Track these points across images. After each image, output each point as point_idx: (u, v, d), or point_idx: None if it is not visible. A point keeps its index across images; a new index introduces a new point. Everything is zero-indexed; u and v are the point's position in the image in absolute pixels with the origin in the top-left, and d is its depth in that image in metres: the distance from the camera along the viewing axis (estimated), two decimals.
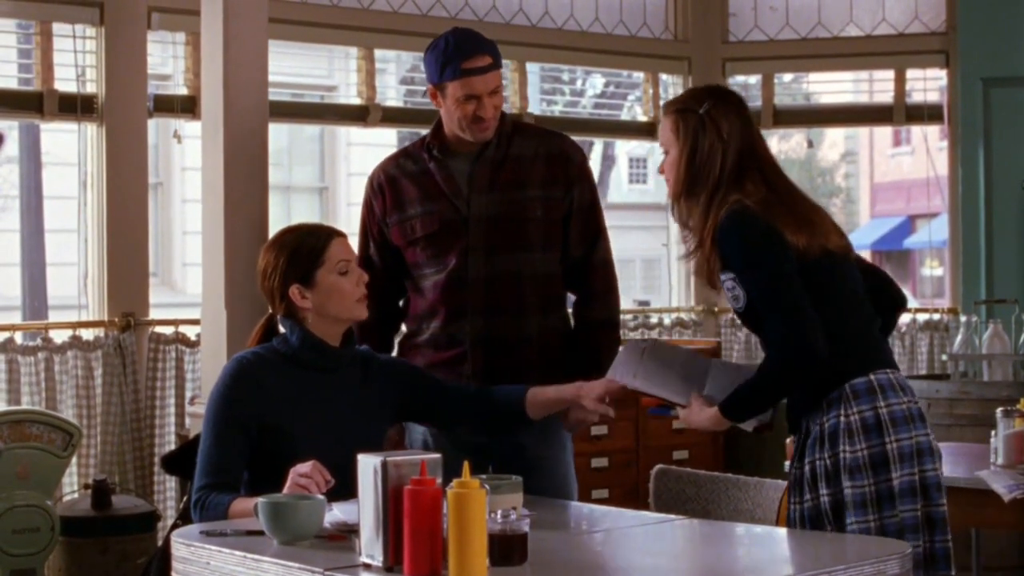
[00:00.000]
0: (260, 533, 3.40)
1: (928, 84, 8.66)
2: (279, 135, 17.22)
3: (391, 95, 8.53)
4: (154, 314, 6.94)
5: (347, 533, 3.36)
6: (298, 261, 3.97)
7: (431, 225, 4.39)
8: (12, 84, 6.80)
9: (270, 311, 4.09)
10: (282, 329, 4.03)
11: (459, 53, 4.31)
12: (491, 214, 4.36)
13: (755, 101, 8.82)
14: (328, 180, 17.52)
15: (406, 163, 4.48)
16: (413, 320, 4.50)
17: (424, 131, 4.60)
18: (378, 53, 7.75)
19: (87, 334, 6.72)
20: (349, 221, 17.42)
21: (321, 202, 17.53)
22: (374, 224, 4.53)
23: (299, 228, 4.05)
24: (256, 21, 5.60)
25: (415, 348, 4.49)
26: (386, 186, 4.48)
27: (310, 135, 17.54)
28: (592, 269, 4.50)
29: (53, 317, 8.93)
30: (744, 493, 4.11)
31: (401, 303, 4.58)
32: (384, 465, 3.13)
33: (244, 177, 5.54)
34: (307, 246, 3.98)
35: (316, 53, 8.22)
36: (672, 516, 3.89)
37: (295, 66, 8.25)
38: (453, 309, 4.37)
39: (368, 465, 3.17)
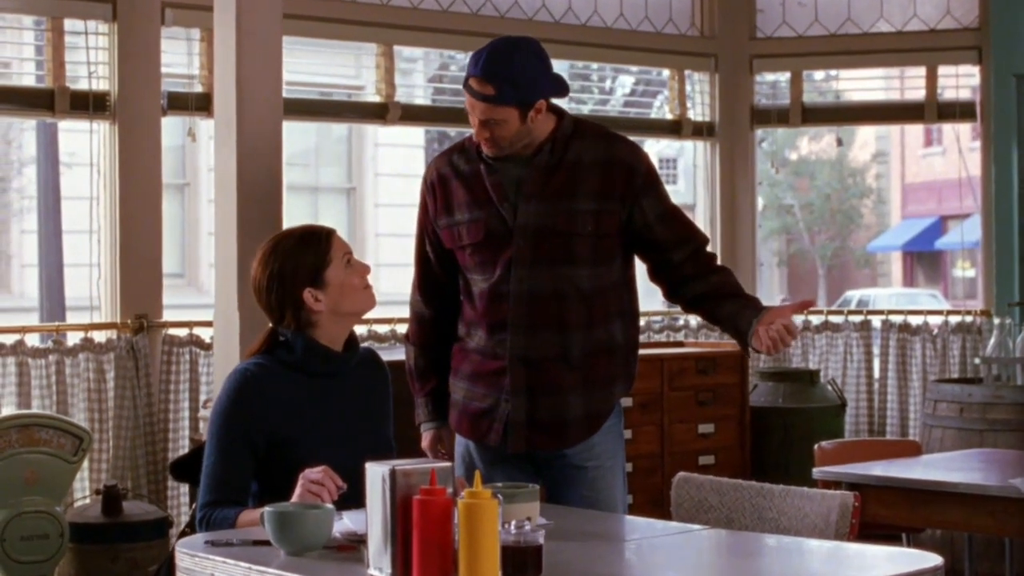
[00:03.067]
0: (267, 543, 3.31)
1: (960, 81, 8.55)
2: (306, 136, 17.25)
3: (419, 94, 8.43)
4: (181, 315, 6.88)
5: (357, 543, 3.27)
6: (306, 264, 3.86)
7: (477, 234, 4.24)
8: (23, 81, 6.72)
9: (269, 329, 3.96)
10: (282, 334, 3.92)
11: (474, 65, 4.14)
12: (537, 225, 4.19)
13: (784, 99, 8.76)
14: (355, 180, 17.57)
15: (459, 161, 4.31)
16: (464, 324, 4.37)
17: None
18: (405, 51, 7.66)
19: (99, 336, 6.65)
20: (376, 221, 17.47)
21: (348, 203, 17.56)
22: (428, 223, 4.39)
23: (290, 234, 3.92)
24: (270, 16, 5.53)
25: (465, 353, 4.37)
26: (437, 186, 4.33)
27: (337, 136, 17.58)
28: (701, 256, 4.32)
29: (70, 319, 8.87)
30: (769, 502, 3.97)
31: (462, 297, 4.45)
32: (392, 474, 3.04)
33: (258, 176, 5.46)
34: (311, 248, 3.87)
35: (343, 52, 8.14)
36: (696, 526, 3.79)
37: (322, 65, 8.16)
38: (495, 322, 4.24)
39: (376, 474, 3.08)
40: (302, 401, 3.84)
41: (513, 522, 3.02)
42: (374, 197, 17.63)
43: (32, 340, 6.56)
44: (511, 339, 4.21)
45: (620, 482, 4.37)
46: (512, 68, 4.11)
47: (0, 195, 16.89)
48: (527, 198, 4.19)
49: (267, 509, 3.28)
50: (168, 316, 6.89)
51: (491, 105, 4.10)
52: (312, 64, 7.93)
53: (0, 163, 16.59)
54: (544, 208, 4.18)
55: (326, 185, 17.81)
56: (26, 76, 6.78)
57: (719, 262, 4.39)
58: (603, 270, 4.25)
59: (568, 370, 4.22)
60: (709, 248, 4.37)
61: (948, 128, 16.36)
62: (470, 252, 4.26)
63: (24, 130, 15.28)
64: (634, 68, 9.72)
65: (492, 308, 4.22)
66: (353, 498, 3.47)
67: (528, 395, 4.22)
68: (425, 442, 4.47)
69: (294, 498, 3.52)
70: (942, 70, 8.49)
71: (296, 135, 17.10)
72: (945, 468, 5.52)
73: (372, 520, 3.09)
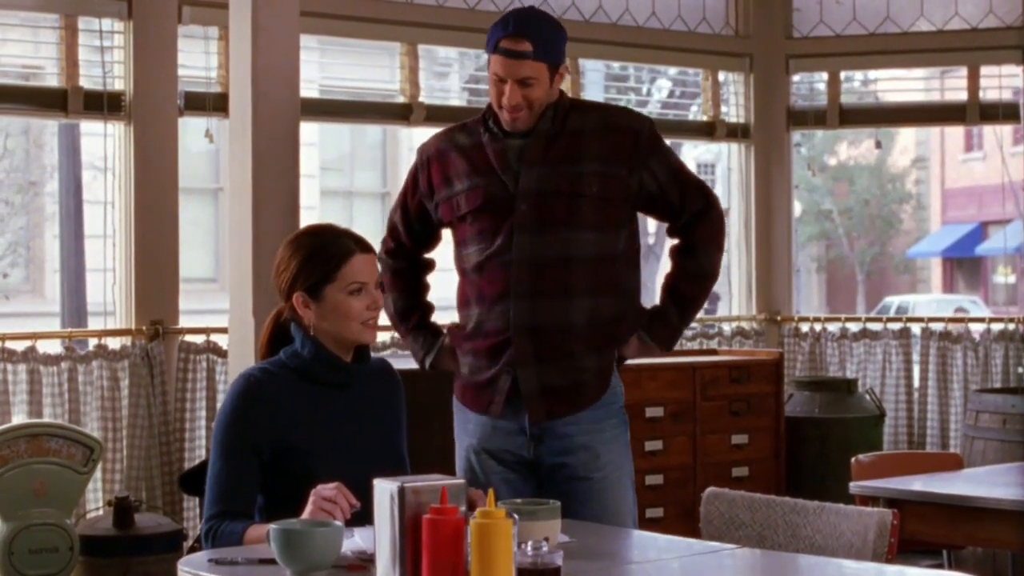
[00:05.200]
0: (273, 562, 3.19)
1: (1003, 82, 8.41)
2: (340, 140, 17.26)
3: (454, 98, 8.33)
4: (215, 321, 6.76)
5: (367, 563, 3.17)
6: (309, 270, 3.74)
7: (475, 200, 4.19)
8: (36, 81, 6.62)
9: (279, 308, 3.89)
10: (293, 335, 3.82)
11: (503, 28, 4.13)
12: (540, 189, 4.15)
13: (821, 100, 8.65)
14: (390, 185, 17.64)
15: (459, 136, 4.29)
16: (460, 306, 4.31)
17: None
18: (440, 55, 7.53)
19: (113, 343, 6.57)
20: None
21: (383, 207, 17.58)
22: (414, 198, 4.36)
23: (323, 232, 3.82)
24: (287, 13, 5.48)
25: (461, 339, 4.30)
26: (434, 160, 4.30)
27: (372, 141, 17.64)
28: (702, 221, 4.29)
29: (92, 325, 8.78)
30: (803, 519, 3.86)
31: (427, 256, 4.49)
32: (401, 491, 2.96)
33: (273, 178, 5.42)
34: (322, 256, 3.75)
35: (379, 53, 8.02)
36: (727, 545, 3.68)
37: (359, 67, 8.06)
38: (497, 292, 4.17)
39: (384, 491, 3.00)
40: (309, 410, 3.72)
41: (530, 542, 2.91)
42: None
43: (54, 347, 6.47)
44: (514, 308, 4.14)
45: (629, 496, 4.30)
46: (542, 26, 4.17)
47: (32, 199, 16.87)
48: (530, 164, 4.16)
49: (273, 527, 3.16)
50: (202, 321, 6.80)
51: (528, 61, 4.11)
52: (349, 67, 7.84)
53: (32, 167, 16.57)
54: (547, 172, 4.16)
55: (360, 190, 17.81)
56: (39, 75, 6.68)
57: (711, 230, 4.32)
58: (609, 236, 4.20)
59: (574, 340, 4.16)
60: (712, 211, 4.31)
61: (989, 133, 16.15)
62: (470, 221, 4.21)
63: (56, 134, 15.31)
64: (672, 71, 9.58)
65: (493, 277, 4.17)
66: (364, 513, 3.34)
67: (537, 364, 4.15)
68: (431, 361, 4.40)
69: (305, 515, 3.41)
70: (984, 70, 8.38)
71: (331, 140, 17.12)
72: (987, 483, 5.38)
73: (380, 539, 3.01)
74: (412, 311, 4.41)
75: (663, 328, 4.27)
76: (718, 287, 4.44)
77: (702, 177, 4.40)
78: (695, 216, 4.27)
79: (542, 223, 4.13)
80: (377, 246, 4.09)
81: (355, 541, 3.26)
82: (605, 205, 4.16)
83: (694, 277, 4.30)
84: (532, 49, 4.09)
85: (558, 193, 4.13)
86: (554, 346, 4.14)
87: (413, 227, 4.38)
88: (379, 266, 4.37)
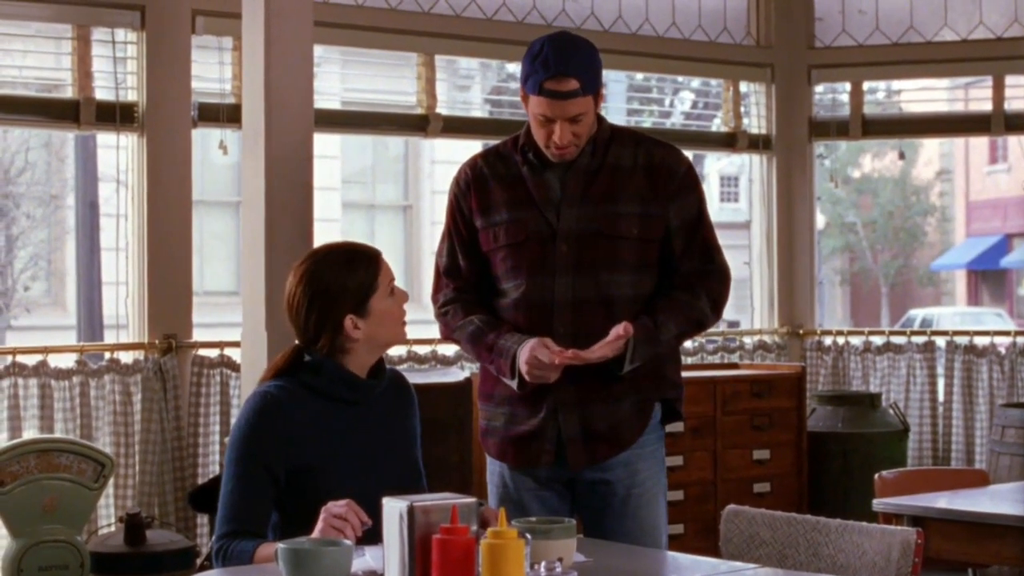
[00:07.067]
0: None
1: None
2: (363, 153, 17.23)
3: (475, 110, 8.25)
4: (238, 335, 6.67)
5: None
6: (353, 289, 3.65)
7: (517, 234, 4.07)
8: (48, 92, 6.58)
9: (297, 345, 3.75)
10: (307, 355, 3.72)
11: (544, 68, 3.96)
12: (581, 230, 4.04)
13: (843, 110, 8.57)
14: (412, 198, 17.57)
15: (496, 164, 4.15)
16: None
17: (494, 141, 4.22)
18: (462, 67, 7.46)
19: (126, 357, 6.51)
20: (433, 239, 17.42)
21: (405, 220, 17.54)
22: (463, 224, 4.18)
23: (336, 251, 3.71)
24: (300, 23, 5.44)
25: (492, 386, 4.17)
26: (473, 185, 4.15)
27: (394, 153, 17.61)
28: (704, 276, 4.12)
29: (107, 339, 8.73)
30: (825, 537, 3.78)
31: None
32: (410, 511, 2.91)
33: (287, 189, 5.37)
34: (359, 271, 3.67)
35: (399, 65, 7.96)
36: (747, 565, 3.61)
37: (385, 79, 8.00)
38: (538, 334, 4.01)
39: (394, 510, 2.95)
40: (325, 427, 3.65)
41: (543, 563, 2.87)
42: (431, 215, 17.60)
43: (67, 361, 6.41)
44: None
45: (663, 512, 4.21)
46: (581, 55, 4.00)
47: (54, 212, 16.87)
48: (569, 203, 4.05)
49: (281, 545, 3.09)
50: (226, 334, 6.73)
51: (578, 99, 3.96)
52: (371, 78, 7.80)
53: (53, 180, 16.57)
54: (587, 212, 4.04)
55: (383, 203, 17.78)
56: (52, 86, 6.63)
57: (712, 294, 4.13)
58: (644, 277, 4.10)
59: (618, 383, 4.04)
60: (711, 273, 4.13)
61: (1014, 144, 16.07)
62: (503, 255, 4.09)
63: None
64: (694, 83, 9.51)
65: (532, 317, 4.04)
66: (376, 534, 3.26)
67: (579, 408, 4.04)
68: (530, 356, 3.98)
69: (315, 532, 3.35)
70: (1009, 80, 8.30)
71: (353, 153, 17.08)
72: (1014, 499, 5.31)
73: (389, 560, 2.95)
74: (493, 324, 4.10)
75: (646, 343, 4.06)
76: (741, 300, 4.32)
77: (724, 191, 4.30)
78: (691, 272, 4.11)
79: (582, 264, 4.03)
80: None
81: (366, 560, 3.20)
82: (644, 246, 4.07)
83: (678, 308, 4.09)
84: (580, 86, 3.95)
85: (598, 235, 4.03)
86: (597, 389, 4.03)
87: (475, 257, 4.16)
88: (443, 324, 4.18)
